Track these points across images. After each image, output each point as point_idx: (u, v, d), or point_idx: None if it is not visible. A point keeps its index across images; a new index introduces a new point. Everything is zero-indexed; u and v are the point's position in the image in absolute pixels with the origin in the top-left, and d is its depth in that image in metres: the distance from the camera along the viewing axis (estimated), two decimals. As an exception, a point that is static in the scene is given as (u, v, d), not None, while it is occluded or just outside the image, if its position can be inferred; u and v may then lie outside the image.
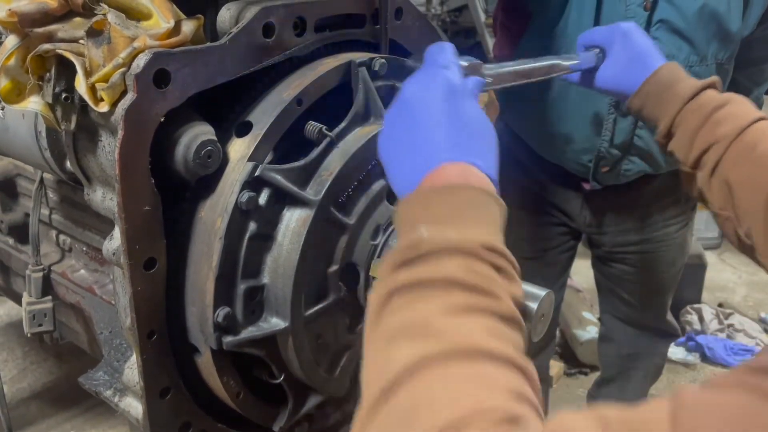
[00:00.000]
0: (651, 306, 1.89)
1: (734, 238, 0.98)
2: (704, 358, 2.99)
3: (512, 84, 1.07)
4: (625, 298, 1.89)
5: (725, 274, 3.73)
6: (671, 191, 1.73)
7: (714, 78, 1.06)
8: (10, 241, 1.40)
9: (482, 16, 4.71)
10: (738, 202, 0.94)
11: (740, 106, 1.01)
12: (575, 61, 1.17)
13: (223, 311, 0.88)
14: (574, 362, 2.93)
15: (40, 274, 1.25)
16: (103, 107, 0.78)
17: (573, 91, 1.53)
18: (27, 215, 1.33)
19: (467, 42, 5.48)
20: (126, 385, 0.95)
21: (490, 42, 4.35)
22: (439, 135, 0.70)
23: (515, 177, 1.82)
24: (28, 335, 1.26)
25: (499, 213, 0.65)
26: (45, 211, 1.28)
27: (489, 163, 0.70)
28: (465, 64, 0.87)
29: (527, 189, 1.80)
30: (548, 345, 2.07)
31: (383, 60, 1.00)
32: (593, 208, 1.74)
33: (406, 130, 0.73)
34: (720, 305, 3.33)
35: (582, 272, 2.70)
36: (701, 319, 3.14)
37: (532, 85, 1.61)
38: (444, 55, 0.80)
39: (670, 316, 1.98)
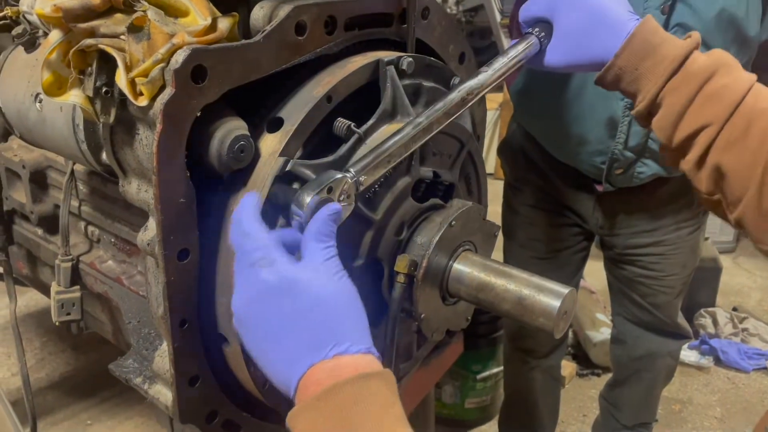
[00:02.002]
0: (662, 308, 1.89)
1: (724, 218, 0.91)
2: (718, 362, 2.99)
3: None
4: (637, 300, 1.89)
5: (740, 278, 3.71)
6: (684, 194, 1.72)
7: (695, 36, 0.91)
8: (40, 231, 1.42)
9: (498, 17, 4.71)
10: (729, 189, 0.87)
11: (729, 74, 0.87)
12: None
13: (252, 302, 0.89)
14: (586, 363, 2.93)
15: (69, 264, 1.28)
16: (143, 101, 0.81)
17: (588, 93, 1.53)
18: (56, 206, 1.35)
19: (482, 42, 5.49)
20: (156, 373, 0.97)
21: (505, 42, 4.35)
22: (288, 343, 0.67)
23: (529, 177, 1.82)
24: (56, 323, 1.29)
25: (384, 386, 0.64)
26: (74, 203, 1.30)
27: (353, 334, 0.67)
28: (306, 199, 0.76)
29: (540, 189, 1.81)
30: (560, 345, 2.08)
31: (410, 59, 1.02)
32: (605, 210, 1.74)
33: (258, 341, 0.69)
34: (734, 309, 3.32)
35: (595, 274, 2.70)
36: (715, 322, 3.13)
37: (547, 87, 1.62)
38: (250, 239, 0.70)
39: (681, 318, 1.98)
